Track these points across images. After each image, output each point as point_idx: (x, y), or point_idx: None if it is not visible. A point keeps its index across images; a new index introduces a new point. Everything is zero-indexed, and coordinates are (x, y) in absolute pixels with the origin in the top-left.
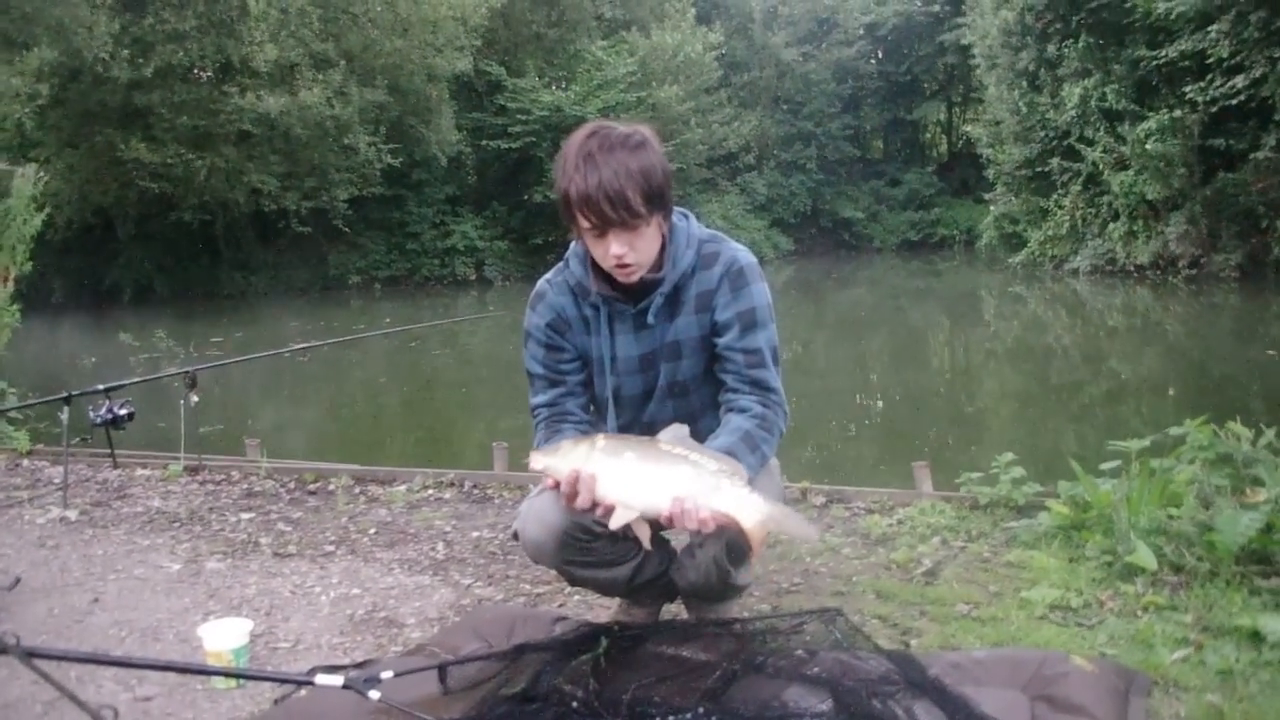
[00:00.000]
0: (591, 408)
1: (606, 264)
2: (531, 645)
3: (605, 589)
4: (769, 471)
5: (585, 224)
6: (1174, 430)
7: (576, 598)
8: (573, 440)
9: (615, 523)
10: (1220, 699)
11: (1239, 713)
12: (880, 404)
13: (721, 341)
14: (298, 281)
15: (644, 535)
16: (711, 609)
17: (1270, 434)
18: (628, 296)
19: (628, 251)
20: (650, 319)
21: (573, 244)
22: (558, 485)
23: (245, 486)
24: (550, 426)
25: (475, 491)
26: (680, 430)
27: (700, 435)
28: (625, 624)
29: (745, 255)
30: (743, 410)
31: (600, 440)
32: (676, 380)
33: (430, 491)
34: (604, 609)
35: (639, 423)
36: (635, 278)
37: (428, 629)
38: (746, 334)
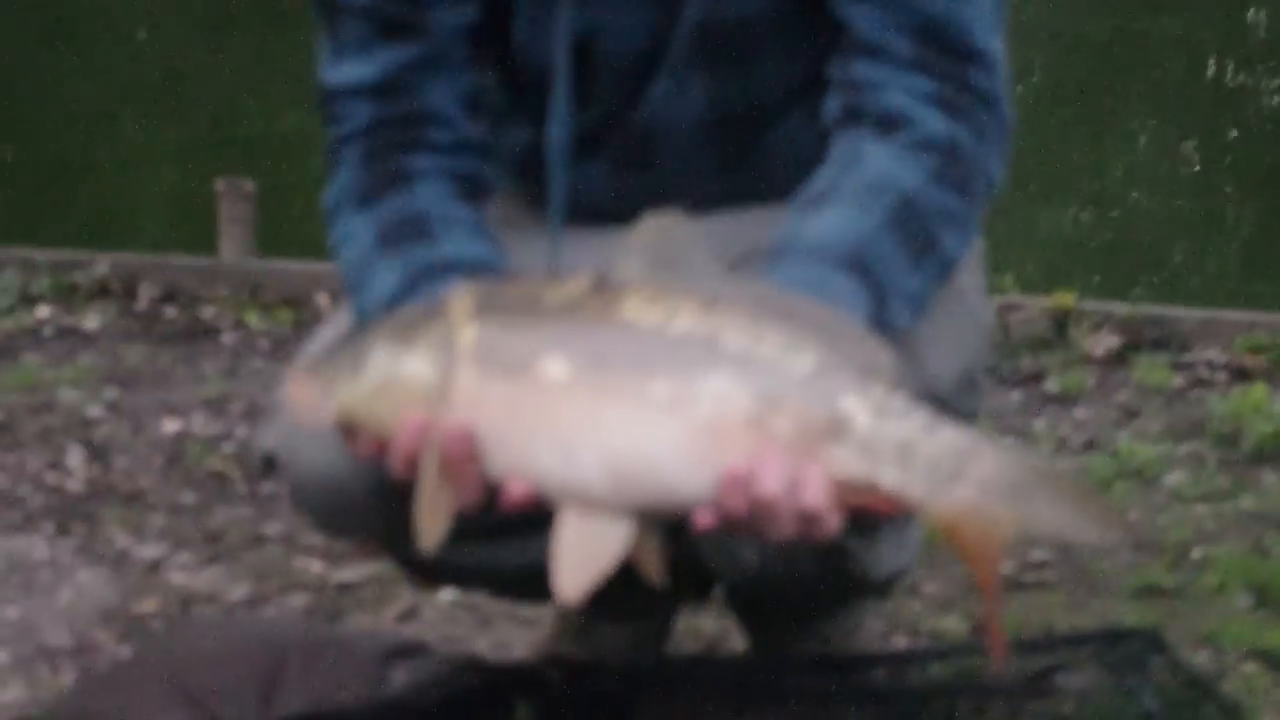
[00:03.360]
0: (484, 110)
1: None
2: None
3: (514, 582)
4: (958, 296)
5: None
6: None
7: (448, 600)
8: (424, 311)
9: (568, 578)
10: None
11: None
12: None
13: None
14: None
15: (651, 567)
16: (810, 629)
17: None
18: None
19: None
20: None
21: None
22: (379, 450)
23: None
24: (376, 171)
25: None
26: (668, 224)
27: (776, 184)
28: (576, 663)
29: None
30: (892, 125)
31: (466, 306)
32: (721, 18)
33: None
34: (517, 625)
35: (625, 133)
36: None
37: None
38: None
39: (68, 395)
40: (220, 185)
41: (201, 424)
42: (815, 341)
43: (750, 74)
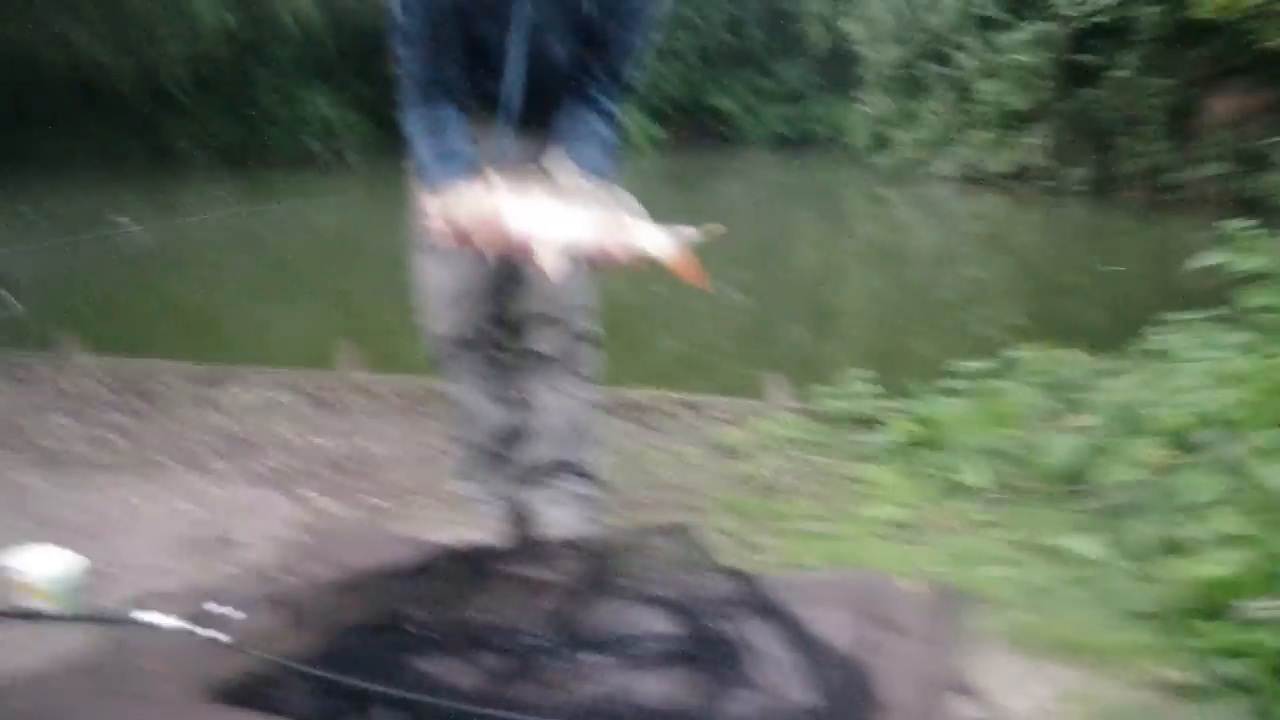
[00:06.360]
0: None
1: None
2: (375, 571)
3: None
4: None
5: None
6: (1011, 353)
7: (427, 514)
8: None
9: (546, 259)
10: (1034, 616)
11: (1050, 628)
12: (740, 302)
13: (598, 25)
14: (128, 152)
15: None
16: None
17: (1101, 361)
18: None
19: None
20: None
21: None
22: (460, 238)
23: (60, 386)
24: (424, 96)
25: (321, 394)
26: (563, 160)
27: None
28: (472, 545)
29: None
30: (600, 109)
31: (497, 178)
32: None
33: (269, 394)
34: (449, 528)
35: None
36: None
37: (267, 548)
38: (627, 27)
39: None
40: None
41: None
42: (621, 200)
43: (551, 70)
